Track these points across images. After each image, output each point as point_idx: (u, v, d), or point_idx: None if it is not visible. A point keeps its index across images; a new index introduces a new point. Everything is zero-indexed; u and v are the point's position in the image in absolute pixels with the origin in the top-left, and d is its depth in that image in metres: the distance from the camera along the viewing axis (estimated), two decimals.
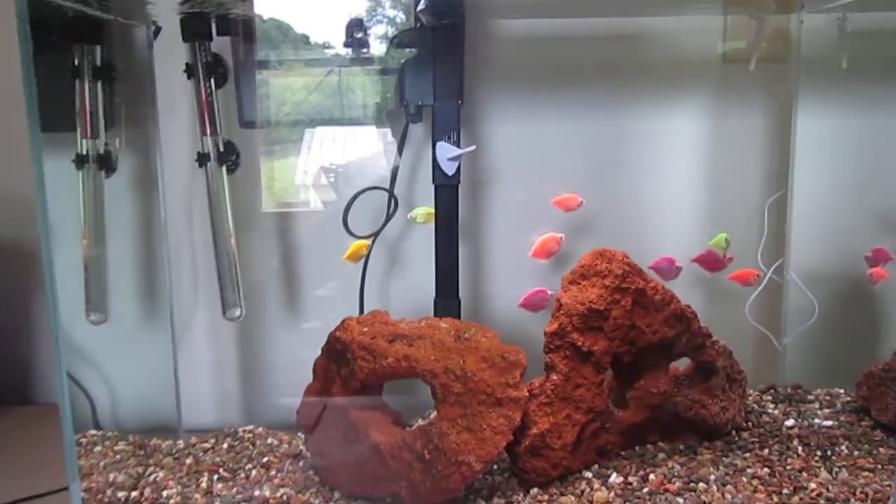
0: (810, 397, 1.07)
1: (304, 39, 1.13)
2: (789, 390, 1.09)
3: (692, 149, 1.18)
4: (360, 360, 0.89)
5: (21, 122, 0.72)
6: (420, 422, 1.10)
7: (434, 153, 1.00)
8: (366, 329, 0.93)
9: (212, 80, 1.01)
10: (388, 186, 1.12)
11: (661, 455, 0.94)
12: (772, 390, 1.10)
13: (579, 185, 1.11)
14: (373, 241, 1.14)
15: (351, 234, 1.12)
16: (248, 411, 1.24)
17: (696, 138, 1.18)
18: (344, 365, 0.91)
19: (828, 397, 1.07)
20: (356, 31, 1.08)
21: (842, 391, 1.08)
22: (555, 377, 0.90)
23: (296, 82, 1.15)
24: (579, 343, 0.89)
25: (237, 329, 1.18)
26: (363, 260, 1.14)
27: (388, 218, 1.13)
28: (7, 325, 1.21)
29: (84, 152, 1.02)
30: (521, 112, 1.16)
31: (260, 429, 1.07)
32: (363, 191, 1.13)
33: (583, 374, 0.90)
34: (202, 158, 1.02)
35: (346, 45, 1.09)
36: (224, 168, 1.03)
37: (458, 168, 1.01)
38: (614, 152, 1.18)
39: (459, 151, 1.00)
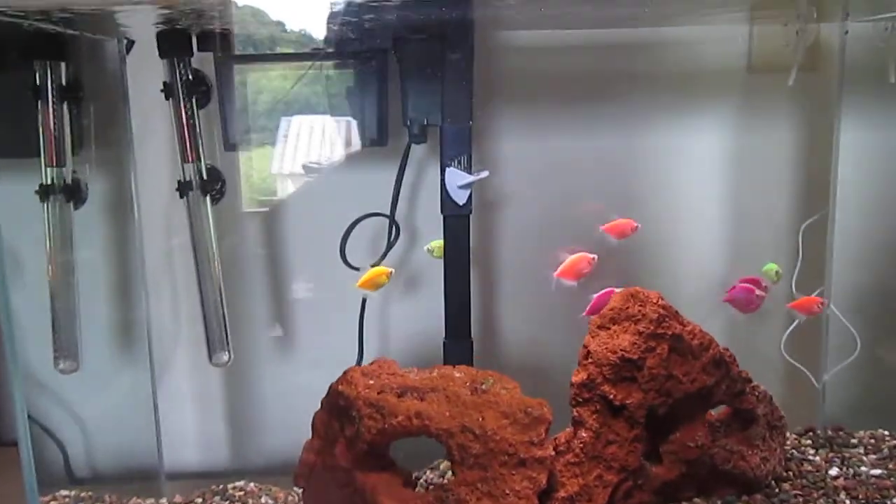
0: (853, 440, 1.01)
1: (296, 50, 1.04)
2: (830, 433, 1.03)
3: (717, 165, 1.11)
4: (366, 420, 0.81)
5: None
6: (429, 474, 1.03)
7: (443, 180, 0.93)
8: (371, 382, 0.85)
9: (193, 100, 0.92)
10: (387, 212, 1.05)
11: None
12: (811, 433, 1.03)
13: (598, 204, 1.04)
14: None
15: (348, 264, 1.04)
16: (236, 453, 1.17)
17: (721, 154, 1.12)
18: (348, 423, 0.83)
19: (872, 440, 1.01)
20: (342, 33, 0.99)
21: (887, 433, 1.02)
22: (584, 434, 0.83)
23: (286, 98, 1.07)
24: (611, 396, 0.82)
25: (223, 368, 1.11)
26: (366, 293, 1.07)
27: (390, 246, 1.06)
28: None
29: (49, 182, 0.93)
30: (534, 129, 1.09)
31: (251, 485, 0.99)
32: (362, 218, 1.05)
33: (615, 429, 0.83)
34: (183, 187, 0.93)
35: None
36: (208, 198, 0.94)
37: (470, 196, 0.94)
38: (634, 169, 1.11)
39: (471, 179, 0.92)
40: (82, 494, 0.97)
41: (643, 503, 0.86)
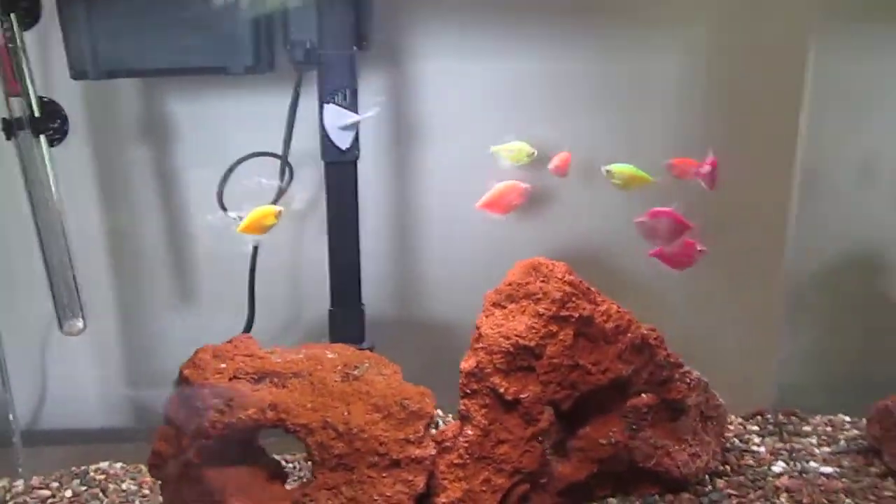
0: (807, 428, 0.91)
1: None
2: (781, 417, 0.93)
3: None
4: (212, 412, 0.72)
5: None
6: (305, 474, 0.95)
7: (321, 120, 0.80)
8: (223, 366, 0.76)
9: (11, 18, 0.79)
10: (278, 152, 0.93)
11: None
12: (759, 417, 0.94)
13: (535, 141, 0.91)
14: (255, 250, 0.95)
15: (225, 210, 0.93)
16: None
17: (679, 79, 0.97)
18: (195, 414, 0.75)
19: (829, 428, 0.91)
20: None
21: (847, 420, 0.93)
22: (470, 432, 0.73)
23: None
24: (502, 389, 0.72)
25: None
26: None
27: (282, 191, 0.94)
28: None
29: None
30: (455, 49, 0.95)
31: (118, 465, 0.92)
32: (245, 158, 0.93)
33: (507, 427, 0.73)
34: (8, 127, 0.81)
35: None
36: (43, 139, 0.82)
37: (356, 137, 0.81)
38: (584, 96, 0.97)
39: (355, 118, 0.79)
40: None
41: None
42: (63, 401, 1.11)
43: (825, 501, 0.80)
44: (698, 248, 0.85)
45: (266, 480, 0.78)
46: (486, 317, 0.74)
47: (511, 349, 0.72)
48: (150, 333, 1.08)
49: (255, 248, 0.97)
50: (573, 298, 0.72)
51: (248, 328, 0.99)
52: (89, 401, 1.12)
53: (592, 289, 0.74)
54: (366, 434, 0.72)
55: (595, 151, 0.91)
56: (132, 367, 1.11)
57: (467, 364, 0.74)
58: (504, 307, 0.74)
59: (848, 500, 0.81)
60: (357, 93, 0.79)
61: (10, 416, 0.99)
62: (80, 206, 0.98)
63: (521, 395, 0.72)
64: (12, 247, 0.99)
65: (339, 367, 0.77)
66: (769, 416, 0.94)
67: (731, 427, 0.91)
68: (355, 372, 0.76)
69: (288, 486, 0.80)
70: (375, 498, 0.71)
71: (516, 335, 0.71)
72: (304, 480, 0.79)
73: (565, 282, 0.72)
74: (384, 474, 0.72)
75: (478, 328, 0.74)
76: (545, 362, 0.72)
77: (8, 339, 0.94)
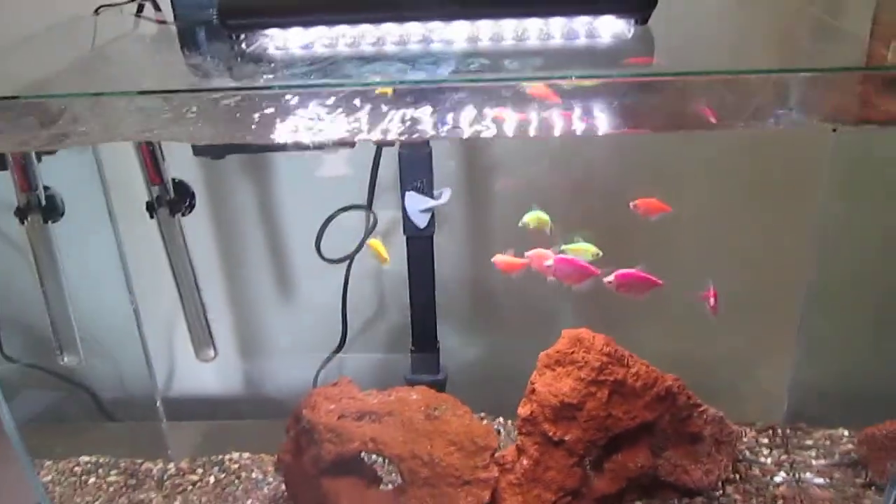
0: (808, 441, 1.11)
1: None
2: (788, 431, 1.13)
3: None
4: (326, 444, 0.97)
5: None
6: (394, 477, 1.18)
7: (403, 203, 0.98)
8: (332, 406, 0.99)
9: None
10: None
11: None
12: (769, 431, 1.14)
13: None
14: (349, 265, 1.16)
15: (323, 258, 1.14)
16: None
17: None
18: (313, 443, 0.99)
19: (828, 442, 1.11)
20: None
21: (845, 434, 1.12)
22: (525, 461, 0.96)
23: None
24: (550, 433, 0.94)
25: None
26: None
27: (363, 241, 1.14)
28: None
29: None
30: None
31: (246, 456, 1.20)
32: (340, 211, 1.13)
33: (554, 458, 0.96)
34: (151, 208, 1.02)
35: None
36: (178, 216, 1.03)
37: (432, 218, 0.99)
38: None
39: (431, 203, 0.97)
40: (100, 460, 1.20)
41: None
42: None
43: None
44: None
45: (366, 487, 1.04)
46: (539, 375, 0.95)
47: (558, 405, 0.93)
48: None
49: (347, 276, 1.20)
50: (609, 366, 0.92)
51: (339, 348, 1.24)
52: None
53: (625, 354, 0.94)
54: (444, 463, 0.96)
55: None
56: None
57: (523, 411, 0.96)
58: (554, 370, 0.94)
59: None
60: (433, 181, 0.97)
61: (157, 402, 1.28)
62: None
63: (565, 437, 0.94)
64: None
65: (423, 408, 1.00)
66: (779, 429, 1.15)
67: (745, 440, 1.12)
68: (435, 413, 0.99)
69: (381, 488, 1.07)
70: None
71: (562, 394, 0.92)
72: (395, 486, 1.05)
73: (603, 353, 0.92)
74: (459, 490, 0.96)
75: (532, 384, 0.96)
76: (585, 414, 0.93)
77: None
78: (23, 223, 1.03)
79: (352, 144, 0.85)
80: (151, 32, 1.02)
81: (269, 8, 0.74)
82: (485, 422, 1.16)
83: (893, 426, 1.05)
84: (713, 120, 0.71)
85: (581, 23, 0.77)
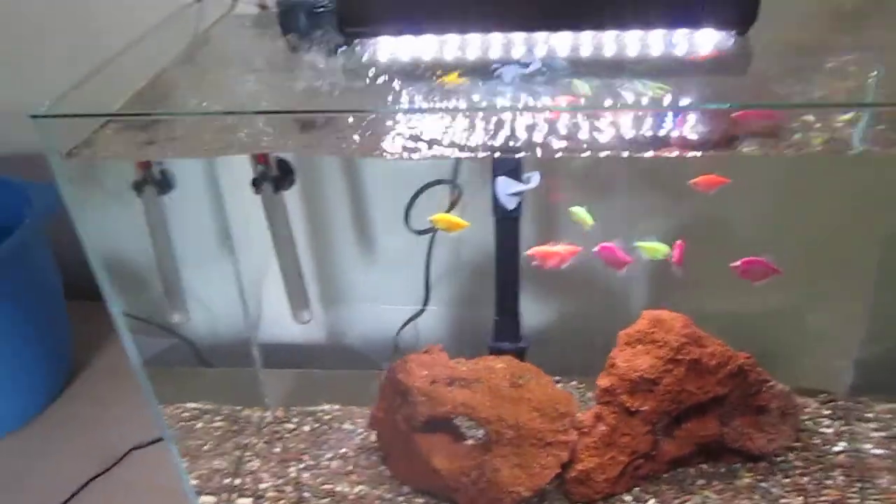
0: (869, 414, 1.19)
1: None
2: (850, 404, 1.21)
3: None
4: (420, 406, 1.08)
5: None
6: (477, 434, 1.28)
7: (494, 188, 1.05)
8: (425, 373, 1.10)
9: None
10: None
11: (701, 480, 1.12)
12: (831, 403, 1.22)
13: None
14: (433, 235, 1.25)
15: (413, 231, 1.23)
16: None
17: None
18: (406, 404, 1.10)
19: (889, 415, 1.18)
20: None
21: None
22: (603, 427, 1.06)
23: None
24: (627, 404, 1.04)
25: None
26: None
27: (453, 204, 1.22)
28: None
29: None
30: None
31: (336, 408, 1.32)
32: (427, 186, 1.20)
33: (630, 426, 1.06)
34: (257, 183, 1.11)
35: None
36: (281, 193, 1.12)
37: (520, 202, 1.06)
38: None
39: (521, 187, 1.04)
40: (205, 406, 1.34)
41: (654, 471, 1.12)
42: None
43: (869, 475, 1.11)
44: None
45: (453, 442, 1.16)
46: (620, 351, 1.04)
47: (637, 379, 1.02)
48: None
49: (433, 238, 1.28)
50: (686, 346, 1.01)
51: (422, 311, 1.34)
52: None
53: (702, 335, 1.02)
54: (528, 426, 1.06)
55: None
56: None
57: (603, 382, 1.06)
58: (633, 347, 1.03)
59: (888, 476, 1.11)
60: (521, 167, 1.04)
61: (254, 352, 1.41)
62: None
63: (641, 408, 1.04)
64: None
65: (508, 377, 1.10)
66: (840, 402, 1.22)
67: (808, 410, 1.20)
68: (520, 381, 1.09)
69: (467, 443, 1.18)
70: (534, 464, 1.07)
71: (641, 370, 1.02)
72: (480, 441, 1.16)
73: (682, 334, 1.01)
74: (540, 450, 1.07)
75: (612, 358, 1.05)
76: (661, 388, 1.02)
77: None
78: (139, 195, 1.13)
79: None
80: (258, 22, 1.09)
81: (386, 17, 0.81)
82: (560, 385, 1.27)
83: None
84: None
85: (682, 34, 0.82)
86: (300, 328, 1.46)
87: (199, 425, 1.32)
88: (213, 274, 1.28)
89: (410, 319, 1.38)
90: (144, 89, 0.92)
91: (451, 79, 0.87)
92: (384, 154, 0.81)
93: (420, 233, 1.24)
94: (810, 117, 0.80)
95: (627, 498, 1.11)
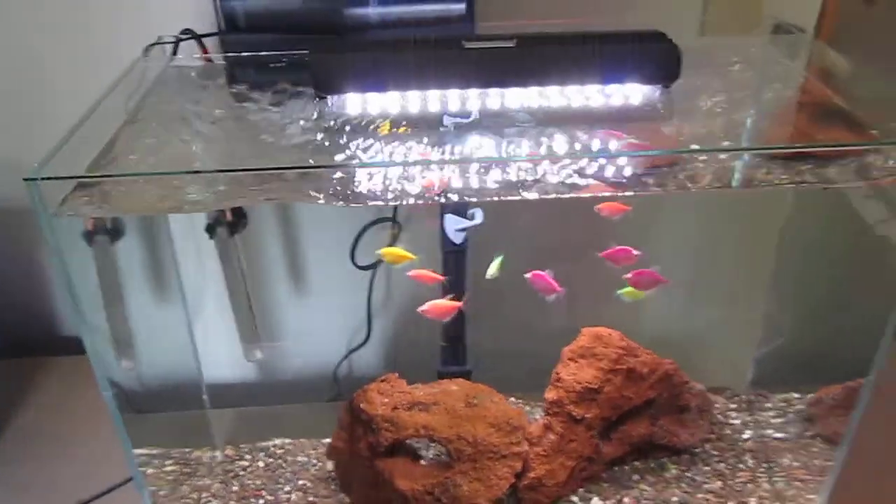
0: (768, 405, 1.38)
1: None
2: (752, 397, 1.40)
3: None
4: (384, 432, 1.15)
5: None
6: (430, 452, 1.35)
7: (442, 224, 1.15)
8: (386, 400, 1.18)
9: None
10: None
11: (635, 476, 1.26)
12: (737, 397, 1.41)
13: None
14: (374, 272, 1.33)
15: (358, 266, 1.30)
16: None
17: None
18: (370, 431, 1.17)
19: (783, 403, 1.38)
20: None
21: (796, 396, 1.39)
22: (552, 436, 1.18)
23: None
24: (574, 413, 1.16)
25: None
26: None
27: (393, 242, 1.30)
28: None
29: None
30: None
31: (288, 442, 1.36)
32: (370, 225, 1.28)
33: (576, 432, 1.18)
34: (211, 230, 1.15)
35: None
36: (236, 237, 1.17)
37: (466, 237, 1.17)
38: None
39: (467, 224, 1.15)
40: (153, 452, 1.34)
41: (595, 473, 1.25)
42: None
43: (774, 456, 1.30)
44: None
45: (412, 463, 1.23)
46: (564, 366, 1.17)
47: (582, 390, 1.15)
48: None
49: (373, 275, 1.36)
50: (623, 357, 1.15)
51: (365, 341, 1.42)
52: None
53: (635, 346, 1.16)
54: (485, 442, 1.16)
55: None
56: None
57: (550, 395, 1.17)
58: (577, 361, 1.16)
59: (789, 455, 1.30)
60: (467, 205, 1.14)
61: (203, 394, 1.42)
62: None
63: (586, 415, 1.16)
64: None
65: (463, 397, 1.19)
66: (743, 396, 1.41)
67: (718, 406, 1.38)
68: (474, 401, 1.19)
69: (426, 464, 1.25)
70: (491, 477, 1.16)
71: (586, 381, 1.14)
72: (438, 460, 1.24)
73: (619, 346, 1.15)
74: (497, 463, 1.17)
75: (557, 373, 1.17)
76: (603, 396, 1.16)
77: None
78: (90, 245, 1.14)
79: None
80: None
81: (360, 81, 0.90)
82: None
83: (832, 391, 1.33)
84: None
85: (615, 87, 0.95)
86: (242, 367, 1.50)
87: (150, 471, 1.32)
88: (160, 318, 1.30)
89: (351, 352, 1.45)
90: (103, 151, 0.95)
91: (385, 129, 0.97)
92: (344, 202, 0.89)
93: (363, 268, 1.32)
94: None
95: (574, 499, 1.24)
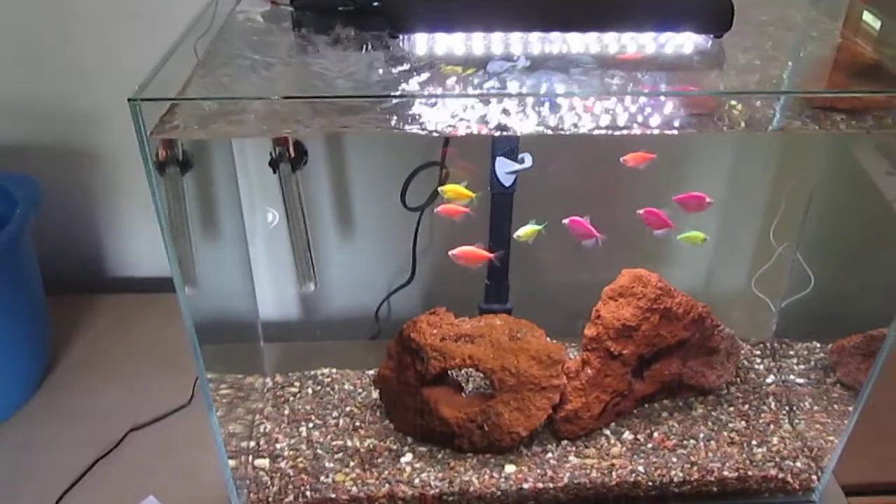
0: (791, 352, 1.46)
1: None
2: (775, 345, 1.47)
3: None
4: (433, 360, 1.23)
5: None
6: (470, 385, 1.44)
7: (493, 166, 1.21)
8: (435, 331, 1.25)
9: None
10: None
11: (664, 413, 1.35)
12: (761, 345, 1.49)
13: None
14: (420, 213, 1.39)
15: (409, 208, 1.37)
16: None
17: None
18: (418, 360, 1.25)
19: (805, 352, 1.46)
20: None
21: (818, 345, 1.47)
22: (589, 371, 1.25)
23: None
24: (612, 349, 1.24)
25: None
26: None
27: (436, 191, 1.36)
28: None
29: None
30: None
31: (335, 371, 1.44)
32: (421, 168, 1.34)
33: (612, 368, 1.26)
34: (274, 164, 1.22)
35: None
36: (297, 172, 1.23)
37: (515, 179, 1.23)
38: None
39: (517, 167, 1.21)
40: (210, 376, 1.41)
41: (627, 408, 1.33)
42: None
43: (795, 399, 1.37)
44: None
45: (455, 394, 1.31)
46: (604, 304, 1.24)
47: (620, 327, 1.22)
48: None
49: (420, 215, 1.42)
50: (661, 297, 1.22)
51: (409, 280, 1.49)
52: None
53: (672, 288, 1.23)
54: (527, 373, 1.23)
55: None
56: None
57: (590, 332, 1.25)
58: (616, 300, 1.23)
59: (810, 399, 1.37)
60: (517, 150, 1.21)
61: (258, 323, 1.49)
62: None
63: (623, 352, 1.24)
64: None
65: (507, 331, 1.27)
66: (768, 343, 1.48)
67: (744, 352, 1.45)
68: (518, 335, 1.26)
69: (468, 395, 1.33)
70: (531, 407, 1.24)
71: (624, 319, 1.22)
72: (480, 392, 1.32)
73: (657, 287, 1.22)
74: (536, 394, 1.25)
75: (597, 311, 1.24)
76: (640, 334, 1.23)
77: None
78: (161, 175, 1.21)
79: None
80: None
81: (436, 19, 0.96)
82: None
83: (854, 339, 1.39)
84: None
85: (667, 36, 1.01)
86: (292, 305, 1.58)
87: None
88: (223, 252, 1.37)
89: (395, 291, 1.53)
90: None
91: (451, 69, 1.03)
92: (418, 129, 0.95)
93: (412, 209, 1.38)
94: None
95: (606, 432, 1.32)
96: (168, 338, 1.52)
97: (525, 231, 1.23)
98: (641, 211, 1.19)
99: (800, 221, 1.41)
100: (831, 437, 1.29)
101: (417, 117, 0.95)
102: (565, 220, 1.22)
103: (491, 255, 1.24)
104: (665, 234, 1.20)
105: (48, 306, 1.47)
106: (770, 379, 1.42)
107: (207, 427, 1.15)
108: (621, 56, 1.04)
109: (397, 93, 0.96)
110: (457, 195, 1.20)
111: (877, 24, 1.19)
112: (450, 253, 1.22)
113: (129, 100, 0.84)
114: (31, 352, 1.42)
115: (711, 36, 1.01)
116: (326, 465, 1.26)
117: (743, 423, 1.34)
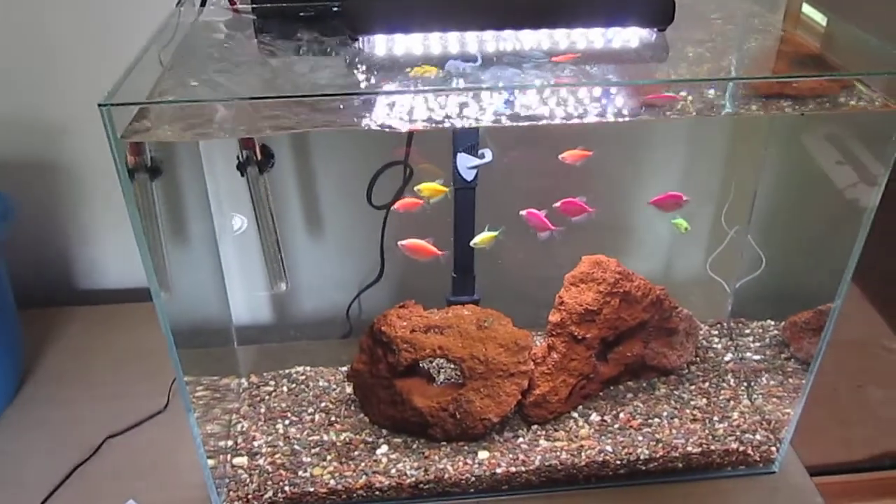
0: (747, 331, 1.52)
1: None
2: (732, 324, 1.53)
3: None
4: (403, 352, 1.27)
5: None
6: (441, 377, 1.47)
7: (454, 162, 1.26)
8: (405, 323, 1.29)
9: None
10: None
11: (629, 394, 1.40)
12: (719, 325, 1.55)
13: None
14: (386, 213, 1.43)
15: (375, 207, 1.40)
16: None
17: None
18: (389, 352, 1.28)
19: (760, 330, 1.52)
20: None
21: (772, 323, 1.53)
22: (555, 355, 1.30)
23: None
24: (576, 333, 1.28)
25: None
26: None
27: (402, 189, 1.40)
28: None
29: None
30: None
31: (309, 369, 1.47)
32: (385, 167, 1.38)
33: (576, 352, 1.30)
34: (242, 167, 1.24)
35: None
36: (265, 175, 1.26)
37: (476, 175, 1.28)
38: None
39: (477, 162, 1.25)
40: (186, 379, 1.43)
41: (593, 391, 1.38)
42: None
43: (753, 375, 1.43)
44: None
45: (427, 384, 1.35)
46: (566, 291, 1.29)
47: (582, 311, 1.27)
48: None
49: (387, 215, 1.46)
50: (620, 281, 1.27)
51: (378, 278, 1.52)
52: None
53: (630, 272, 1.29)
54: (495, 361, 1.28)
55: None
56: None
57: (554, 318, 1.30)
58: (577, 286, 1.28)
59: (766, 375, 1.43)
60: (478, 145, 1.25)
61: (231, 326, 1.51)
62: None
63: (586, 335, 1.29)
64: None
65: (475, 321, 1.31)
66: (724, 323, 1.55)
67: (702, 332, 1.51)
68: (485, 324, 1.30)
69: (439, 384, 1.37)
70: (500, 393, 1.28)
71: (586, 303, 1.27)
72: (451, 381, 1.36)
73: (616, 272, 1.27)
74: (505, 381, 1.29)
75: (560, 297, 1.29)
76: (602, 317, 1.28)
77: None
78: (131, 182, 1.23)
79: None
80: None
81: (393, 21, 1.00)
82: None
83: (805, 315, 1.46)
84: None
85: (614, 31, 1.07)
86: (265, 307, 1.60)
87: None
88: (194, 257, 1.39)
89: (364, 289, 1.56)
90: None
91: (420, 71, 1.07)
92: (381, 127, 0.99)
93: (378, 208, 1.42)
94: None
95: (574, 415, 1.37)
96: (141, 346, 1.54)
97: (481, 238, 1.29)
98: (524, 212, 1.25)
99: (749, 206, 1.48)
100: (787, 410, 1.36)
101: (385, 114, 1.00)
102: (522, 212, 1.27)
103: (439, 252, 1.29)
104: (547, 236, 1.26)
105: (20, 320, 1.49)
106: (728, 357, 1.49)
107: (185, 430, 1.17)
108: (569, 55, 1.09)
109: (363, 90, 1.01)
110: (433, 192, 1.25)
111: (817, 17, 1.26)
112: (399, 243, 1.27)
113: (99, 105, 0.87)
114: (3, 364, 1.43)
115: (656, 30, 1.07)
116: (304, 459, 1.30)
117: (704, 400, 1.39)
